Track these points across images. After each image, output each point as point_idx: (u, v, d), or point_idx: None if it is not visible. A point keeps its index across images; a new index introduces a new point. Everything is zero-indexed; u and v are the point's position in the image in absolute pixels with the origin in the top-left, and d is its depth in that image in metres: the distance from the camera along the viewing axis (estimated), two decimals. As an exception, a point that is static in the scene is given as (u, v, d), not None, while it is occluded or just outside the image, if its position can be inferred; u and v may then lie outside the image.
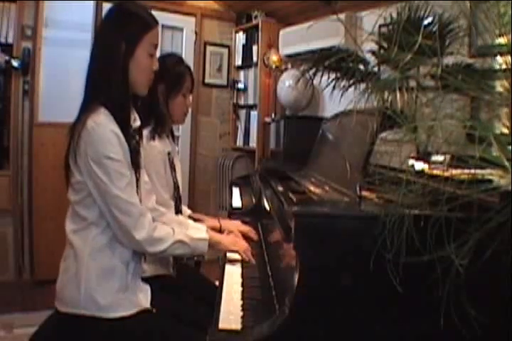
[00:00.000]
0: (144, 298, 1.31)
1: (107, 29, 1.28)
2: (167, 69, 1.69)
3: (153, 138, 1.61)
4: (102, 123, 1.19)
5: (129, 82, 1.26)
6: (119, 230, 1.23)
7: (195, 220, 1.76)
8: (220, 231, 1.71)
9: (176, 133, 3.45)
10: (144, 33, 1.26)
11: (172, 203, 1.68)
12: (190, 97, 1.77)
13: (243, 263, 1.46)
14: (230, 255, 1.51)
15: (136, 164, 1.29)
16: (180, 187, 1.76)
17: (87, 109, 1.22)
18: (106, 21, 1.30)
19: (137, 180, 1.30)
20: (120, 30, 1.25)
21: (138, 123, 1.35)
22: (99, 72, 1.25)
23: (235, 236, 1.59)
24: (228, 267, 1.44)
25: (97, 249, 1.23)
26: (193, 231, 1.42)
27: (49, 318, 1.32)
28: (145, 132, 1.60)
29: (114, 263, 1.25)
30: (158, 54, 1.93)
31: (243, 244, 1.50)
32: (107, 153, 1.18)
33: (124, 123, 1.24)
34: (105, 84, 1.24)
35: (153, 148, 1.61)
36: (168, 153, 1.69)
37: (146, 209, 1.30)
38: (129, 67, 1.26)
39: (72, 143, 1.21)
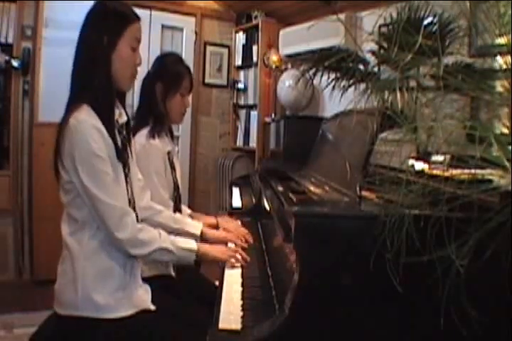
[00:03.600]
0: (143, 298, 1.31)
1: (89, 25, 1.28)
2: (166, 68, 1.69)
3: (152, 137, 1.61)
4: (83, 119, 1.18)
5: (111, 76, 1.26)
6: (105, 230, 1.22)
7: (193, 218, 1.77)
8: (217, 228, 1.72)
9: (176, 133, 3.45)
10: (125, 26, 1.27)
11: (171, 203, 1.68)
12: (189, 97, 1.77)
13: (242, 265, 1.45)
14: None
15: (123, 160, 1.28)
16: (180, 187, 1.76)
17: (71, 108, 1.22)
18: (87, 19, 1.30)
19: (126, 175, 1.29)
20: (101, 25, 1.26)
21: (124, 118, 1.35)
22: (82, 67, 1.26)
23: (224, 245, 1.54)
24: (228, 267, 1.44)
25: (92, 250, 1.23)
26: (182, 239, 1.38)
27: (49, 318, 1.32)
28: (144, 131, 1.61)
29: (110, 263, 1.24)
30: (158, 54, 1.93)
31: (231, 253, 1.44)
32: (90, 149, 1.17)
33: (107, 118, 1.23)
34: (88, 78, 1.24)
35: (154, 147, 1.61)
36: (168, 153, 1.69)
37: (130, 210, 1.27)
38: (112, 59, 1.26)
39: (58, 144, 1.22)
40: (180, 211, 1.74)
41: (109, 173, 1.21)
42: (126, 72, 1.30)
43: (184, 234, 1.50)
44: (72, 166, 1.19)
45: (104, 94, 1.24)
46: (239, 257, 1.43)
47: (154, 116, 1.65)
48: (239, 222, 1.85)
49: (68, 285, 1.22)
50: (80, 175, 1.18)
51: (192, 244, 1.37)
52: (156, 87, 1.66)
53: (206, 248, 1.42)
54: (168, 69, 1.68)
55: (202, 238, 1.56)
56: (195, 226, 1.57)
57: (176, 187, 1.72)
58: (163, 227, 1.42)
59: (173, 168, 1.71)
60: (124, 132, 1.34)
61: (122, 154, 1.28)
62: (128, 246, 1.23)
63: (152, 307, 1.30)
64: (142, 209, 1.42)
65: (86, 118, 1.19)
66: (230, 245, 1.57)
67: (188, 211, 1.89)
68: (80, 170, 1.18)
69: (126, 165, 1.30)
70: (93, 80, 1.23)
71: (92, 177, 1.18)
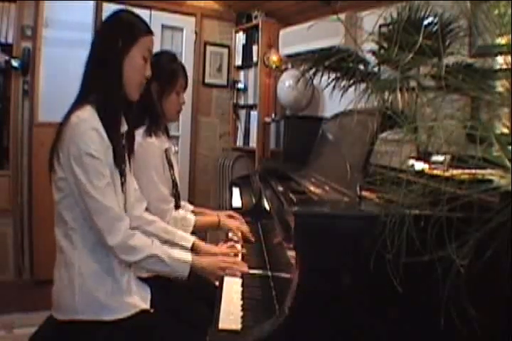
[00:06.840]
0: (141, 298, 1.30)
1: (106, 29, 1.31)
2: (160, 67, 1.68)
3: (149, 135, 1.61)
4: (86, 119, 1.18)
5: (122, 82, 1.27)
6: (97, 231, 1.20)
7: (196, 214, 1.80)
8: (219, 226, 1.73)
9: (176, 133, 3.48)
10: (140, 36, 1.29)
11: (172, 199, 1.68)
12: (184, 95, 1.77)
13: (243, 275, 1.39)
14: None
15: (120, 167, 1.27)
16: (179, 184, 1.76)
17: (75, 107, 1.23)
18: (106, 23, 1.33)
19: (122, 184, 1.28)
20: (118, 30, 1.28)
21: (125, 127, 1.34)
22: (94, 69, 1.26)
23: (222, 257, 1.45)
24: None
25: (86, 252, 1.22)
26: (176, 250, 1.33)
27: (48, 319, 1.32)
28: (140, 130, 1.61)
29: (105, 265, 1.24)
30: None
31: (231, 265, 1.36)
32: (87, 150, 1.17)
33: (110, 122, 1.23)
34: (98, 80, 1.24)
35: (151, 145, 1.61)
36: (165, 150, 1.69)
37: (125, 215, 1.24)
38: (124, 65, 1.26)
39: (57, 140, 1.22)
40: (179, 207, 1.74)
41: (106, 176, 1.20)
42: (135, 80, 1.30)
43: (175, 246, 1.44)
44: (68, 163, 1.18)
45: (111, 97, 1.25)
46: (236, 268, 1.36)
47: (150, 116, 1.65)
48: (242, 220, 1.85)
49: (65, 290, 1.21)
50: (75, 172, 1.17)
51: (186, 256, 1.32)
52: (151, 87, 1.66)
53: (202, 262, 1.35)
54: (163, 68, 1.68)
55: (193, 251, 1.49)
56: (187, 239, 1.53)
57: (175, 185, 1.73)
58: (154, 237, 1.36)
59: (170, 165, 1.71)
60: (124, 141, 1.33)
61: (120, 161, 1.27)
62: (118, 252, 1.21)
63: (151, 308, 1.30)
64: (134, 219, 1.36)
65: (88, 118, 1.19)
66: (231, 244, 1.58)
67: (191, 207, 1.89)
68: (75, 167, 1.17)
69: (123, 175, 1.29)
70: (103, 82, 1.24)
71: (88, 175, 1.17)
